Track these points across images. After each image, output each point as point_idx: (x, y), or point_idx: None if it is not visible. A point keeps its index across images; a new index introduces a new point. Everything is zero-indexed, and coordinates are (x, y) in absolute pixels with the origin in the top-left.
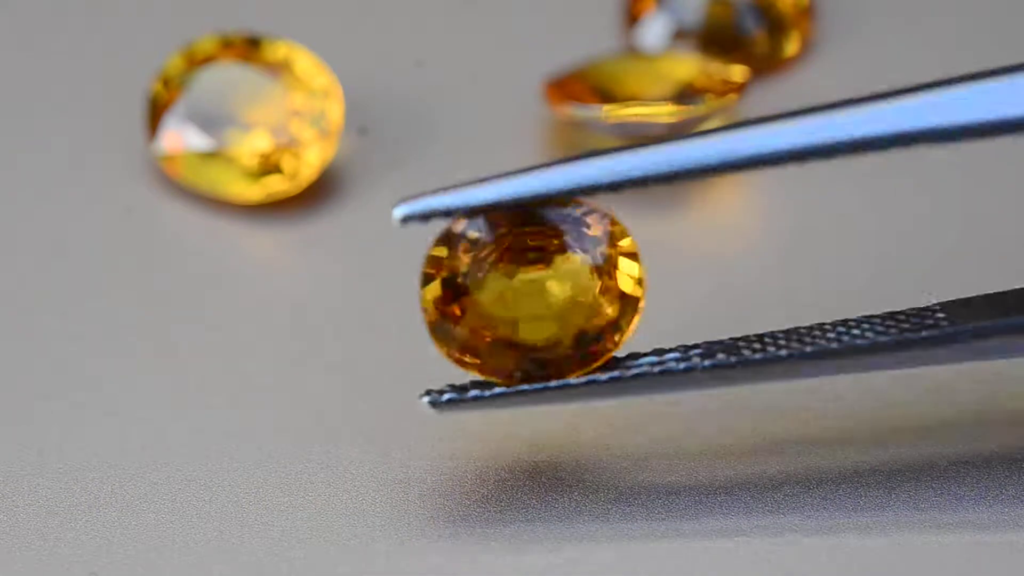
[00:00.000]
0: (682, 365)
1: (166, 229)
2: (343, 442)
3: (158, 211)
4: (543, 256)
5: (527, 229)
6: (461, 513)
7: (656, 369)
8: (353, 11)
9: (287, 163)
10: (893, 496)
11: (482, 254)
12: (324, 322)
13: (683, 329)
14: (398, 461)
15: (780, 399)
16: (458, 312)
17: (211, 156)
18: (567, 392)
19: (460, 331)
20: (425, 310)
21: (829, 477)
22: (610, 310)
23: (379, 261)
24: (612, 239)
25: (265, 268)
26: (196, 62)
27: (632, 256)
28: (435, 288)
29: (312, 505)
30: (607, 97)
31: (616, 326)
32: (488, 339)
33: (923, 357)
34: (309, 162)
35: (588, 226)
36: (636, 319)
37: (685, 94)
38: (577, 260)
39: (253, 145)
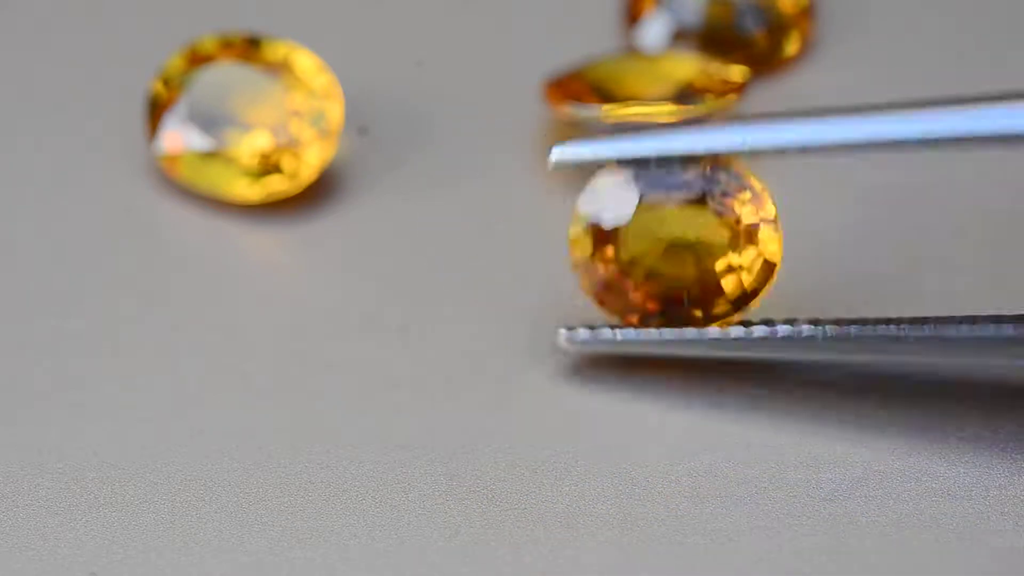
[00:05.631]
0: (809, 330)
1: (166, 229)
2: (343, 442)
3: (158, 211)
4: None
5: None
6: (461, 513)
7: (781, 333)
8: (353, 11)
9: (287, 163)
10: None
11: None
12: (324, 322)
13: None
14: (398, 461)
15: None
16: (604, 249)
17: (211, 156)
18: (690, 342)
19: (604, 268)
20: (573, 246)
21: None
22: (747, 262)
23: (379, 261)
24: (757, 204)
25: (265, 268)
26: (196, 62)
27: (773, 223)
28: (581, 226)
29: (312, 505)
30: (607, 97)
31: (751, 285)
32: (628, 277)
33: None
34: (309, 162)
35: (731, 190)
36: (771, 283)
37: (685, 94)
38: (716, 214)
39: (253, 145)
